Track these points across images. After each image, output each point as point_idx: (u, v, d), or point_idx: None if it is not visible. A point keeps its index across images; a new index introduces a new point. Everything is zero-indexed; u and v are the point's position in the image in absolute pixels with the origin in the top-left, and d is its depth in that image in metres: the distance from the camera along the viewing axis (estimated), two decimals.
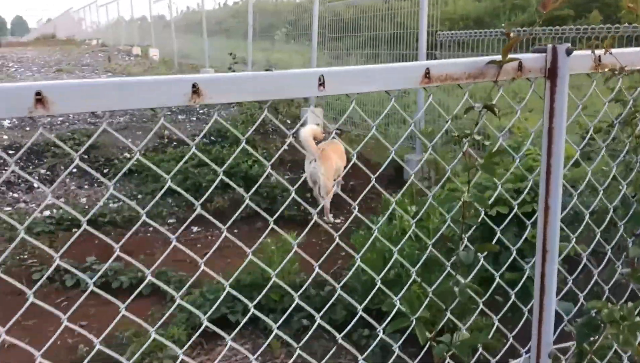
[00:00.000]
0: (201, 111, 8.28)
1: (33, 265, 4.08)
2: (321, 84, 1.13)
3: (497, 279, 1.72)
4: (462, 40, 5.50)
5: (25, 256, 4.23)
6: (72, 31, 29.86)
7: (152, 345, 2.71)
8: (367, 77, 1.16)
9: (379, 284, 1.56)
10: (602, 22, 16.69)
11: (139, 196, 5.54)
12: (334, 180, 5.12)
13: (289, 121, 8.17)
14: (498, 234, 1.75)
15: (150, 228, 4.90)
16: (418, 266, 1.73)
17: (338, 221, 5.24)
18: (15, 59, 16.51)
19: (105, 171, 6.09)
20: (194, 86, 1.02)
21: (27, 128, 7.34)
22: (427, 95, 5.96)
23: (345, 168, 5.72)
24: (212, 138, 7.02)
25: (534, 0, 17.35)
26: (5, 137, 7.02)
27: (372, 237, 1.73)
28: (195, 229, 4.84)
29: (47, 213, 5.09)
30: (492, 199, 1.97)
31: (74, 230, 4.76)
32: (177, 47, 15.59)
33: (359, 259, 1.58)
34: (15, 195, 5.52)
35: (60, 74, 12.86)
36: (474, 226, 2.08)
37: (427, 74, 1.22)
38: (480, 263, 1.65)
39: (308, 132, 5.00)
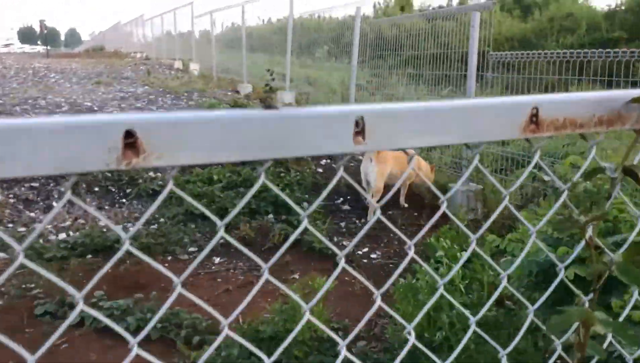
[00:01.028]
0: None
1: (38, 296, 3.72)
2: (360, 132, 0.67)
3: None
4: (515, 62, 4.96)
5: (32, 285, 3.88)
6: (120, 44, 30.38)
7: None
8: (435, 123, 0.69)
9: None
10: None
11: (161, 219, 5.17)
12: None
13: None
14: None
15: (169, 257, 4.51)
16: (470, 331, 1.25)
17: (374, 256, 4.73)
18: (59, 70, 16.68)
19: (128, 191, 5.76)
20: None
21: None
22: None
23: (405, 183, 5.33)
24: None
25: (584, 23, 16.63)
26: None
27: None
28: (217, 260, 4.42)
29: (62, 235, 4.77)
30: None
31: (88, 257, 4.41)
32: (216, 62, 15.43)
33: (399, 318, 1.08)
34: (32, 214, 5.23)
35: (98, 86, 12.80)
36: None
37: (533, 117, 0.74)
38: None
39: None
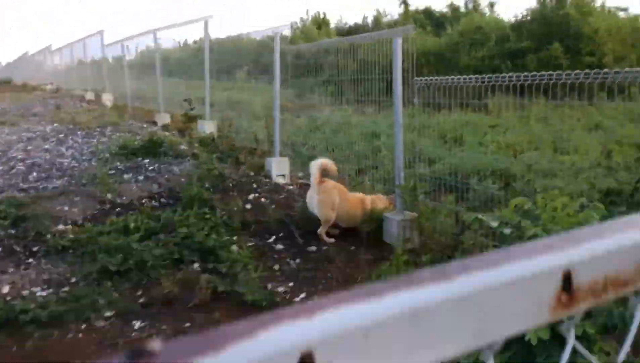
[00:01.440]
0: (151, 168, 7.40)
1: None
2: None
3: None
4: (442, 86, 4.85)
5: None
6: (28, 75, 28.69)
7: None
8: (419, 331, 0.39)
9: None
10: (563, 53, 16.39)
11: (73, 279, 4.62)
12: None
13: (252, 173, 7.38)
14: None
15: (84, 326, 3.99)
16: None
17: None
18: None
19: (34, 249, 5.16)
20: None
21: None
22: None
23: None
24: (163, 199, 6.17)
25: (493, 35, 17.32)
26: None
27: None
28: (137, 324, 3.95)
29: None
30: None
31: None
32: (130, 91, 14.72)
33: None
34: None
35: (3, 126, 11.81)
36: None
37: (566, 286, 0.47)
38: None
39: (318, 163, 5.39)
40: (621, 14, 17.14)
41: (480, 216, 2.52)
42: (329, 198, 5.28)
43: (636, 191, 3.22)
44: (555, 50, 15.10)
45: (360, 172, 7.13)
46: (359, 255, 4.93)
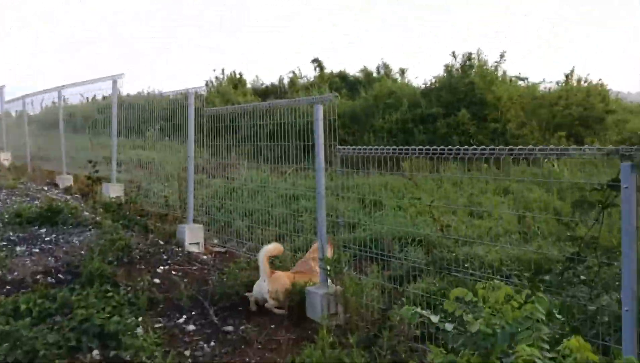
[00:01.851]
0: (48, 239, 6.68)
1: None
2: None
3: None
4: (365, 157, 4.71)
5: None
6: None
7: None
8: None
9: None
10: (469, 119, 17.20)
11: None
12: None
13: (162, 242, 6.85)
14: None
15: None
16: None
17: None
18: None
19: None
20: None
21: None
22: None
23: None
24: (60, 275, 5.52)
25: (405, 100, 17.96)
26: None
27: None
28: None
29: None
30: None
31: None
32: (31, 150, 13.70)
33: None
34: None
35: None
36: None
37: None
38: None
39: (264, 252, 5.23)
40: (521, 83, 18.43)
41: (419, 310, 2.29)
42: (282, 287, 5.08)
43: (567, 269, 3.14)
44: (463, 116, 15.80)
45: (280, 238, 6.80)
46: (280, 334, 4.55)
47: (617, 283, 3.10)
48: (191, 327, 4.76)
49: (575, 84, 18.26)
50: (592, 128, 15.93)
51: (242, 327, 4.75)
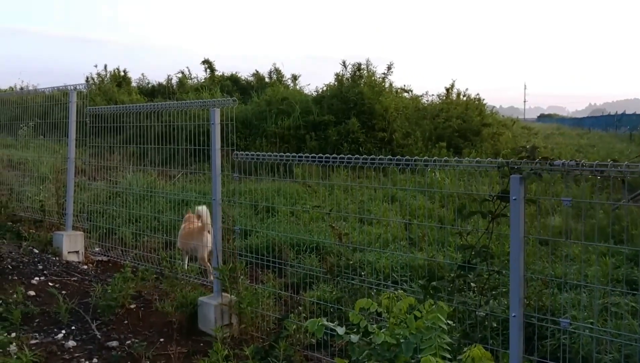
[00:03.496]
0: None
1: None
2: None
3: None
4: (259, 163, 4.62)
5: None
6: None
7: None
8: None
9: None
10: (359, 128, 17.64)
11: None
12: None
13: (37, 251, 6.28)
14: None
15: None
16: None
17: None
18: None
19: None
20: None
21: None
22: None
23: None
24: None
25: (298, 106, 18.10)
26: None
27: None
28: None
29: None
30: None
31: None
32: None
33: None
34: None
35: None
36: None
37: None
38: None
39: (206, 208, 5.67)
40: (406, 95, 19.31)
41: (325, 322, 2.25)
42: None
43: (458, 277, 3.28)
44: (353, 124, 16.21)
45: (169, 245, 6.50)
46: (170, 348, 4.32)
47: (504, 290, 3.29)
48: (71, 343, 4.38)
49: (455, 98, 19.49)
50: (470, 140, 17.05)
51: (129, 342, 4.45)
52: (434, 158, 3.68)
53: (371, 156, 4.03)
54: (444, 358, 2.02)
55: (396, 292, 2.38)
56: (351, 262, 4.89)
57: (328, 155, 4.20)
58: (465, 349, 1.96)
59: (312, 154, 4.32)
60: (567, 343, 3.45)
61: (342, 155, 4.14)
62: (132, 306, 5.01)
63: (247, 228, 6.39)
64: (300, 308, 4.57)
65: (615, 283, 5.08)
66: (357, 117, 16.45)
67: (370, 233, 7.56)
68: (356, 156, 4.04)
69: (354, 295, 4.54)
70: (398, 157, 3.86)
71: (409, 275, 5.35)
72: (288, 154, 4.28)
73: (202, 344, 4.41)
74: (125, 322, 4.82)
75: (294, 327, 4.24)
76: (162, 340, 4.49)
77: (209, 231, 5.54)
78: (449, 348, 2.06)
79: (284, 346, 3.92)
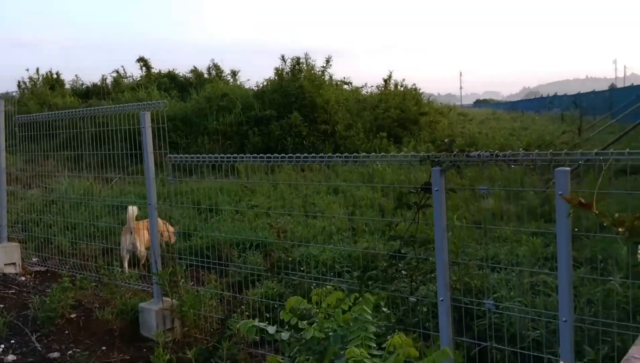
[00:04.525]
0: None
1: None
2: None
3: None
4: (195, 165, 4.61)
5: None
6: None
7: None
8: None
9: None
10: (302, 121, 17.73)
11: None
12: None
13: None
14: None
15: None
16: None
17: None
18: None
19: None
20: None
21: None
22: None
23: None
24: None
25: (239, 102, 17.96)
26: None
27: None
28: None
29: None
30: None
31: None
32: None
33: None
34: None
35: None
36: None
37: None
38: None
39: (131, 211, 6.03)
40: (346, 87, 19.49)
41: (256, 323, 2.32)
42: (146, 237, 5.70)
43: (390, 266, 3.42)
44: (295, 118, 16.25)
45: (107, 252, 6.39)
46: (112, 356, 4.29)
47: (432, 275, 3.45)
48: (11, 357, 4.29)
49: (393, 89, 19.84)
50: (409, 129, 17.44)
51: (70, 352, 4.40)
52: (363, 154, 3.79)
53: (304, 155, 4.02)
54: (369, 347, 2.13)
55: (326, 287, 2.48)
56: (290, 259, 4.96)
57: (263, 155, 4.21)
58: (388, 337, 2.07)
59: (248, 155, 4.36)
60: (498, 322, 3.63)
61: (277, 154, 4.15)
62: (73, 315, 4.93)
63: (187, 231, 6.33)
64: (242, 307, 4.61)
65: (544, 261, 5.34)
66: (299, 111, 16.51)
67: (315, 226, 7.68)
68: (297, 154, 3.94)
69: (295, 290, 4.63)
70: (338, 154, 3.95)
71: (351, 266, 5.48)
72: (222, 155, 4.29)
73: (144, 350, 4.40)
74: (66, 332, 4.74)
75: (238, 325, 4.29)
76: (104, 348, 4.45)
77: (131, 232, 6.00)
78: (374, 338, 2.17)
79: (228, 346, 3.97)
